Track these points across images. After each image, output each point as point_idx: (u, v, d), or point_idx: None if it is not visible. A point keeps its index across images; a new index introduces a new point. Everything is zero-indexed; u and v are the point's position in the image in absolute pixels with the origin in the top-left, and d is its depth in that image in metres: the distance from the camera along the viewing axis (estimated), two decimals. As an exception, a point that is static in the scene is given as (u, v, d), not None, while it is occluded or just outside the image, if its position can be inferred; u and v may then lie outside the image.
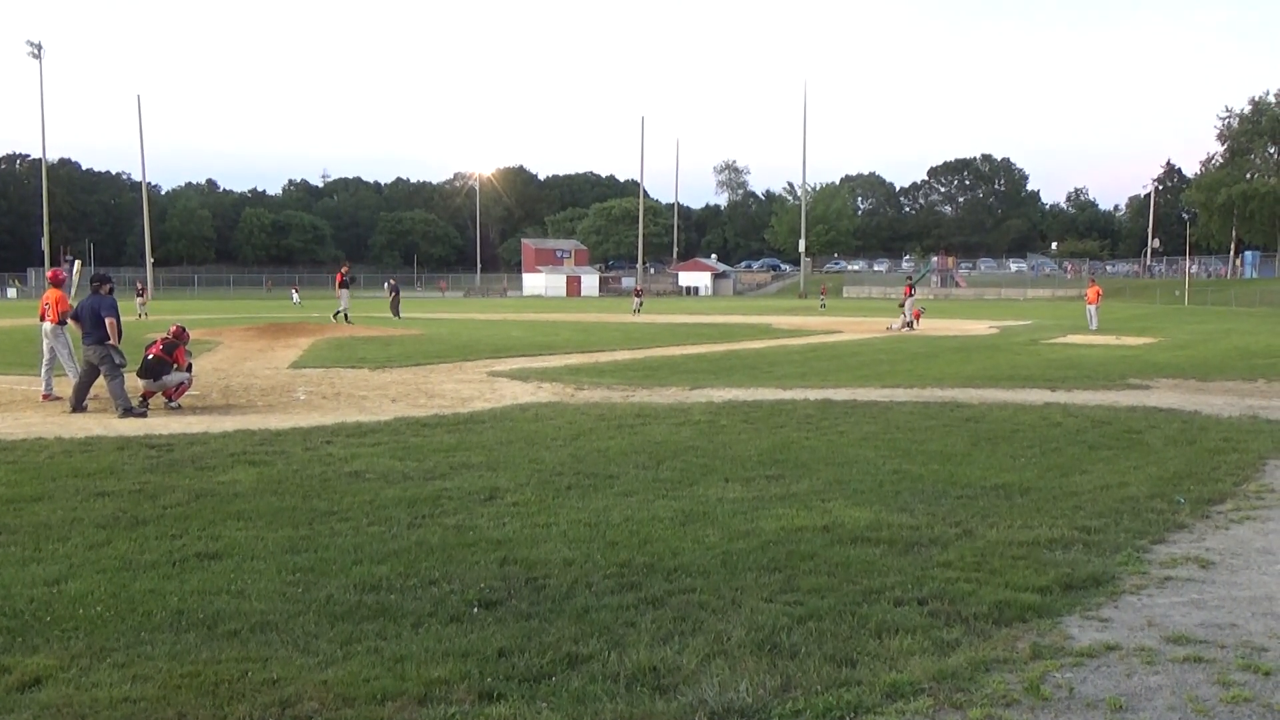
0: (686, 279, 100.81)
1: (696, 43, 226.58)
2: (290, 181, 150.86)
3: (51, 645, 4.57)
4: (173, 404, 12.82)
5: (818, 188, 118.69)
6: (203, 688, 4.11)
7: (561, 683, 4.18)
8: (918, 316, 33.88)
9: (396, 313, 39.61)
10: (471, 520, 6.84)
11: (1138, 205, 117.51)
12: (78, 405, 12.52)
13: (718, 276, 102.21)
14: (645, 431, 10.64)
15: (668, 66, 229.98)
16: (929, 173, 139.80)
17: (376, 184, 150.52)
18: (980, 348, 24.57)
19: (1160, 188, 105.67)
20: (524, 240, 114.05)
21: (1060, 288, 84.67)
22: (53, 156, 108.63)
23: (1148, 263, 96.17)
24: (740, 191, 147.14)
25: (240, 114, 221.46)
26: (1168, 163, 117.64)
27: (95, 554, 6.01)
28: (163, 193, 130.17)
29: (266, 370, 18.02)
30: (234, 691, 4.07)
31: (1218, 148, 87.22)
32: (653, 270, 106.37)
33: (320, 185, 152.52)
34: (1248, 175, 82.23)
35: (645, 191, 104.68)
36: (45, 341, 14.04)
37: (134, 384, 12.86)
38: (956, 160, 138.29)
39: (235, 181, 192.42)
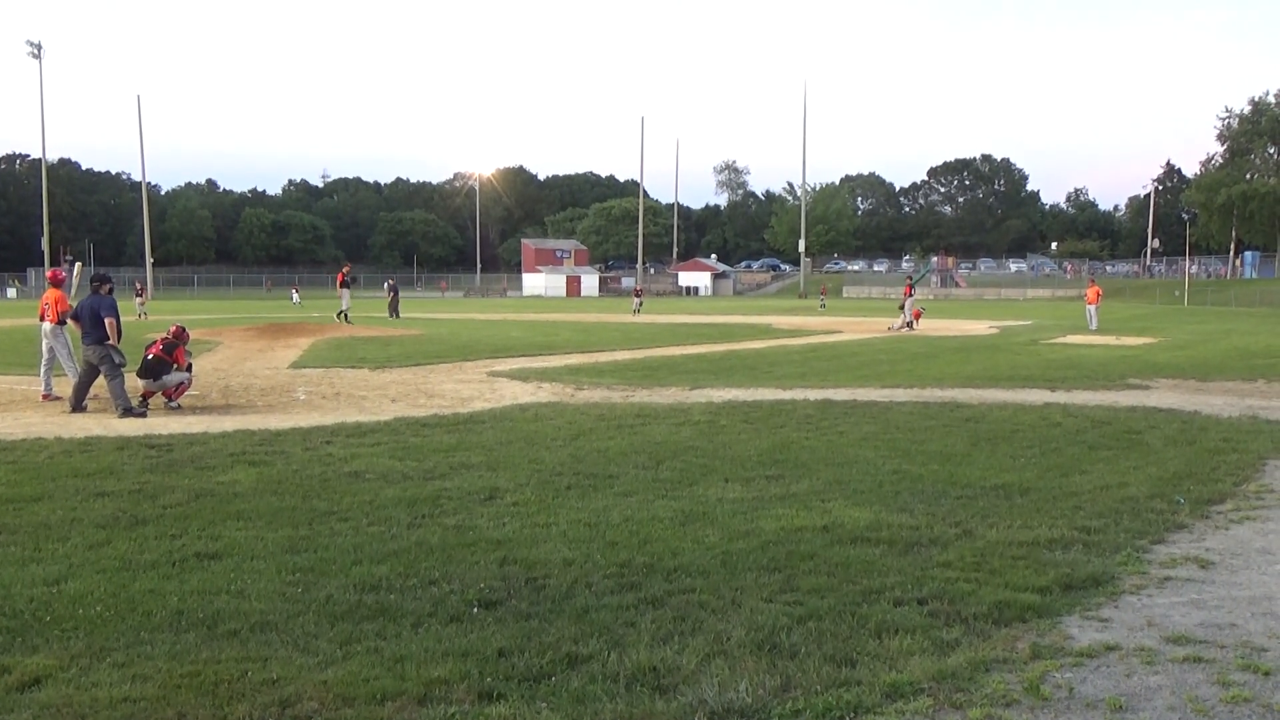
0: (686, 279, 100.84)
1: (696, 43, 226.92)
2: (290, 181, 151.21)
3: (51, 645, 4.57)
4: (173, 404, 12.82)
5: (818, 188, 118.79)
6: (203, 688, 4.11)
7: (561, 683, 4.18)
8: (917, 316, 33.89)
9: (394, 313, 39.59)
10: (471, 520, 6.84)
11: (1138, 205, 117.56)
12: (77, 405, 12.52)
13: (718, 277, 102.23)
14: (645, 431, 10.64)
15: (668, 66, 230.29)
16: (929, 173, 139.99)
17: (376, 184, 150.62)
18: (980, 348, 24.57)
19: (1160, 188, 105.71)
20: (524, 240, 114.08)
21: (1060, 288, 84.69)
22: (53, 156, 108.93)
23: (1147, 263, 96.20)
24: (740, 191, 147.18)
25: (240, 114, 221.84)
26: (1168, 163, 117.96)
27: (95, 554, 6.01)
28: (163, 193, 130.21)
29: (266, 370, 18.02)
30: (234, 691, 4.07)
31: (1218, 148, 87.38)
32: (653, 270, 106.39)
33: (320, 185, 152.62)
34: (1247, 175, 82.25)
35: (645, 191, 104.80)
36: (45, 341, 14.04)
37: (134, 384, 12.86)
38: (956, 160, 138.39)
39: (235, 181, 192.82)
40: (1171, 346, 24.85)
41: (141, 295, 49.00)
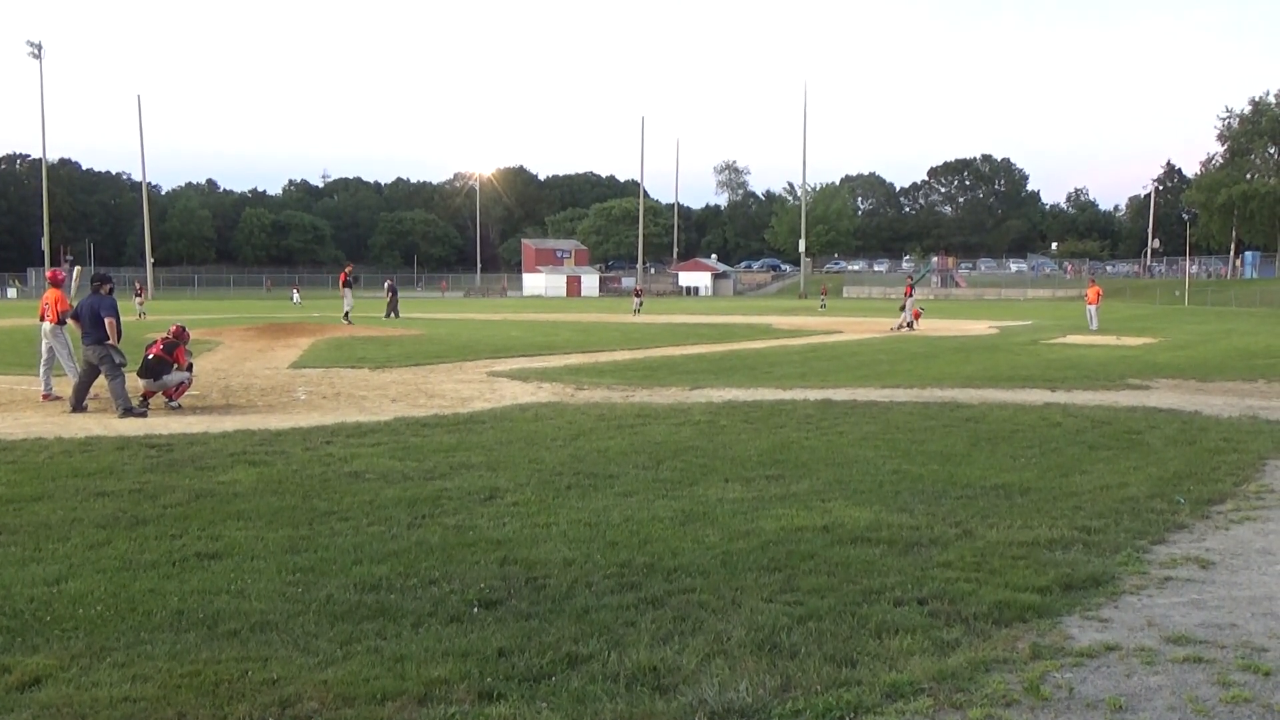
0: (686, 279, 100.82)
1: (696, 43, 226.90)
2: (290, 181, 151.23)
3: (51, 645, 4.57)
4: (173, 404, 12.82)
5: (818, 188, 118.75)
6: (203, 687, 4.11)
7: (561, 683, 4.18)
8: (917, 316, 33.89)
9: (393, 313, 39.55)
10: (471, 520, 6.84)
11: (1138, 205, 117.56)
12: (77, 405, 12.52)
13: (718, 277, 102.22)
14: (645, 431, 10.64)
15: (668, 67, 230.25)
16: (929, 173, 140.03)
17: (376, 184, 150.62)
18: (980, 348, 24.57)
19: (1160, 188, 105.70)
20: (524, 240, 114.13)
21: (1060, 288, 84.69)
22: (53, 156, 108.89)
23: (1148, 263, 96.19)
24: (740, 191, 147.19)
25: (240, 114, 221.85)
26: (1168, 163, 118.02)
27: (95, 554, 6.01)
28: (163, 193, 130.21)
29: (266, 370, 18.02)
30: (234, 691, 4.07)
31: (1218, 148, 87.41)
32: (653, 270, 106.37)
33: (320, 185, 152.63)
34: (1248, 175, 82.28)
35: (645, 191, 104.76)
36: (44, 341, 14.05)
37: (134, 384, 12.87)
38: (956, 160, 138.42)
39: (235, 181, 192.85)
40: (1172, 347, 24.85)
41: (141, 295, 49.01)
